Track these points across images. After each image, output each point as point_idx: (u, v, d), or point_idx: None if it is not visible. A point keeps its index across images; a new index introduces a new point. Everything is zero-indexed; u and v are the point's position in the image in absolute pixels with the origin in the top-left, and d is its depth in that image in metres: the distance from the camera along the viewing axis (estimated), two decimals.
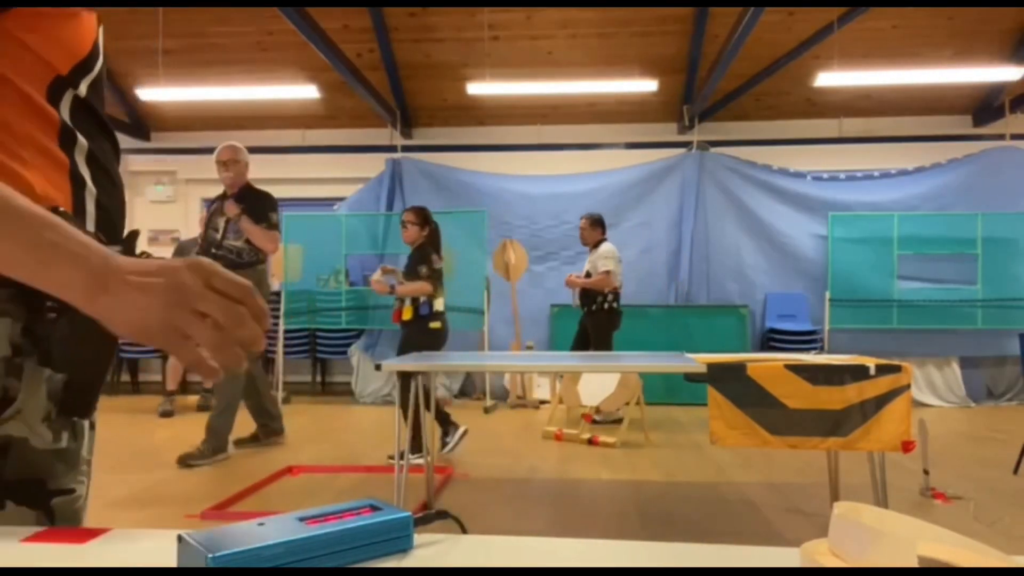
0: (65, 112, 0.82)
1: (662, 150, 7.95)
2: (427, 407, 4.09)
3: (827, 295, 7.25)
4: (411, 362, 3.25)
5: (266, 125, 8.38)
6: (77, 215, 0.82)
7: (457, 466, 4.42)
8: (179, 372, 6.60)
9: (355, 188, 8.14)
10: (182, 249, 6.36)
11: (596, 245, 6.05)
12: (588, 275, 5.97)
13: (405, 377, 3.98)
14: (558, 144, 8.14)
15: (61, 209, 0.79)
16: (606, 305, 5.92)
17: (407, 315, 4.44)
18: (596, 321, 5.95)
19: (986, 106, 7.65)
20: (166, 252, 7.47)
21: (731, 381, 2.93)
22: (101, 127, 0.88)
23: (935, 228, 7.21)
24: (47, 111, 0.80)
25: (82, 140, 0.84)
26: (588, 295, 5.96)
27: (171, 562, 0.73)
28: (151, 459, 4.67)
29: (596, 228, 6.08)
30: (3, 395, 0.78)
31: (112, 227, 0.88)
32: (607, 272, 5.85)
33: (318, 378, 8.20)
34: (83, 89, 0.84)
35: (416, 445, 4.40)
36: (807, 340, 7.15)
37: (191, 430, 5.60)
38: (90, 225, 0.84)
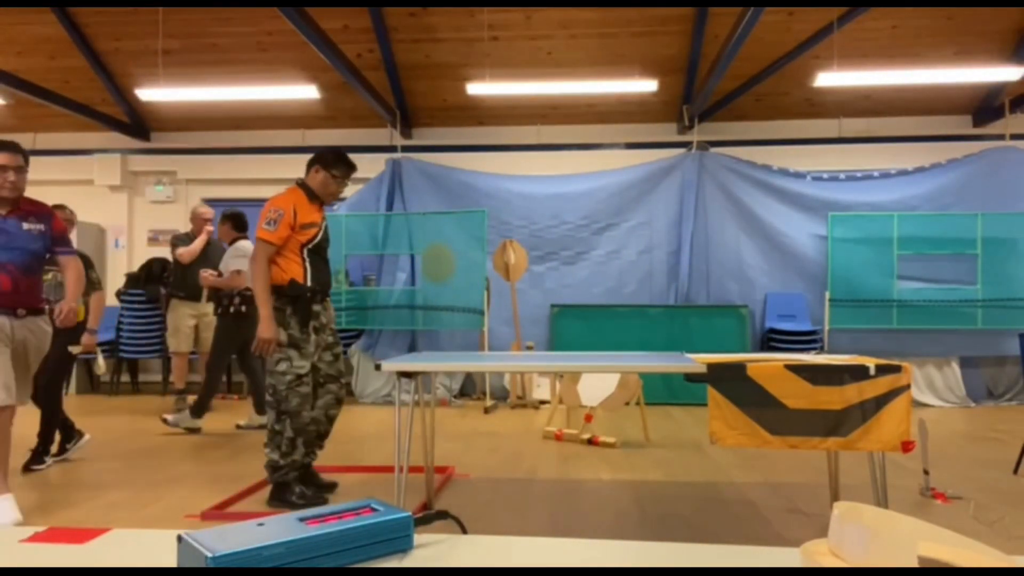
0: (305, 252, 3.76)
1: (662, 150, 7.95)
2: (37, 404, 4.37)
3: (827, 295, 7.25)
4: (412, 362, 3.25)
5: (266, 125, 8.39)
6: (303, 282, 3.72)
7: (456, 466, 4.42)
8: (184, 371, 6.60)
9: (355, 188, 8.13)
10: (176, 241, 6.42)
11: (232, 243, 5.71)
12: (222, 274, 5.65)
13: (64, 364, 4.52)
14: (558, 144, 8.14)
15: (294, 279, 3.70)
16: (232, 308, 5.53)
17: None
18: (222, 323, 5.60)
19: (986, 106, 7.65)
20: (165, 252, 7.46)
21: (731, 381, 2.93)
22: (318, 251, 3.86)
23: (935, 228, 7.21)
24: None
25: (307, 258, 3.77)
26: (217, 296, 5.65)
27: (171, 562, 0.73)
28: (151, 459, 4.67)
29: (225, 224, 5.72)
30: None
31: (322, 286, 3.88)
32: (238, 272, 5.47)
33: None
34: (310, 246, 3.78)
35: (67, 435, 4.63)
36: (807, 340, 7.15)
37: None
38: (310, 282, 3.75)
